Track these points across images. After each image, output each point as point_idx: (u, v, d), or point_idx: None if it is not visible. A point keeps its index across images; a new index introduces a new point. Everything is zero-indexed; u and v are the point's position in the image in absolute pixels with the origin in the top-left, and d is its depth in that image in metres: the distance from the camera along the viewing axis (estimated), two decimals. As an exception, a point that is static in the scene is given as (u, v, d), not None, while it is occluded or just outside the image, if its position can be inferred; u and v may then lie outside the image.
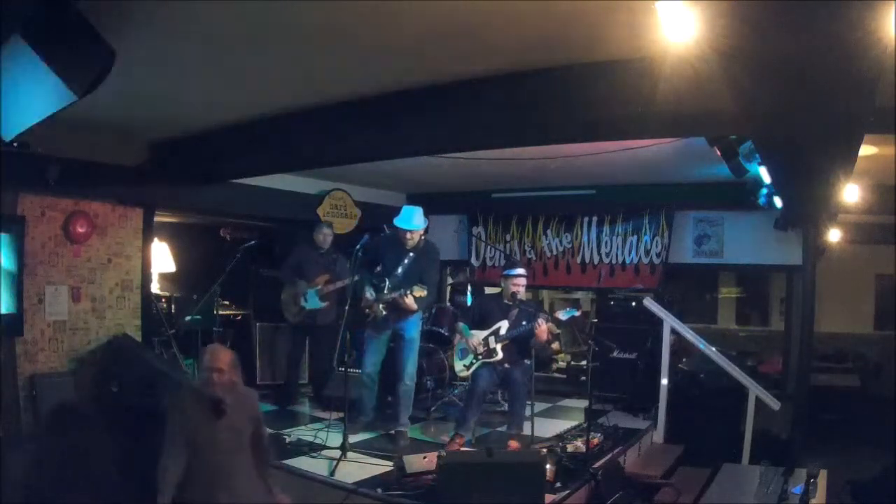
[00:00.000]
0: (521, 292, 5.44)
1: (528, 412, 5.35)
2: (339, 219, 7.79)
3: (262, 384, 6.95)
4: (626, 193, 7.74)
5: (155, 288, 6.83)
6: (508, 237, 8.52)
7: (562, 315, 5.42)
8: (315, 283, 6.27)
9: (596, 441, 5.16)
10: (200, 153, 5.69)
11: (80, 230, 5.48)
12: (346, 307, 5.08)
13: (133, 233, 5.97)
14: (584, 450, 4.89)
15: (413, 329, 5.48)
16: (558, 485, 4.28)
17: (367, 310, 5.40)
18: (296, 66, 3.83)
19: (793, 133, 2.83)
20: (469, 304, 7.91)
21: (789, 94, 2.26)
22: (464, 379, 5.71)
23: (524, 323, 5.20)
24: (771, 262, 7.34)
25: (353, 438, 5.00)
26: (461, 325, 5.49)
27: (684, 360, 7.03)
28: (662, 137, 4.69)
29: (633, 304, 7.30)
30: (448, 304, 8.25)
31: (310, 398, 6.77)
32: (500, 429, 5.73)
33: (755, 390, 5.79)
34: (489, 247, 8.59)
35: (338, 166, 6.39)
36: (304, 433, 5.38)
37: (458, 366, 5.44)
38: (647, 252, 7.66)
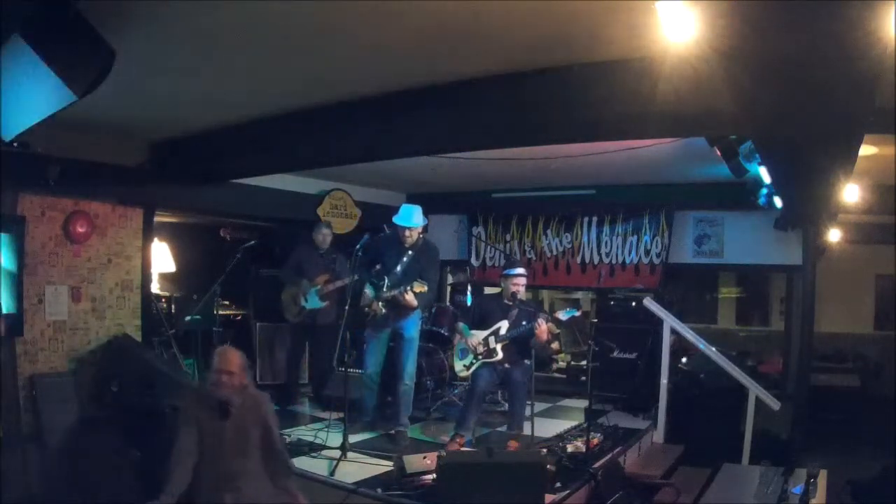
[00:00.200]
0: (521, 292, 5.44)
1: (528, 412, 5.34)
2: (339, 219, 7.79)
3: (263, 384, 6.93)
4: (626, 193, 7.75)
5: (155, 288, 6.83)
6: (508, 237, 8.52)
7: (562, 315, 5.40)
8: (315, 283, 6.27)
9: (596, 441, 5.16)
10: (200, 153, 5.69)
11: (80, 230, 5.48)
12: (347, 307, 5.08)
13: (133, 233, 5.97)
14: (584, 450, 4.89)
15: (413, 328, 5.48)
16: (558, 485, 4.27)
17: (367, 308, 5.40)
18: (295, 66, 3.83)
19: (793, 133, 2.83)
20: (469, 303, 7.91)
21: (789, 94, 2.26)
22: (464, 379, 5.71)
23: (524, 323, 5.20)
24: (771, 262, 7.34)
25: (353, 438, 5.00)
26: (461, 324, 5.49)
27: (684, 360, 7.03)
28: (662, 137, 4.68)
29: (633, 304, 7.30)
30: (448, 303, 8.25)
31: (310, 398, 6.77)
32: (500, 429, 5.73)
33: (755, 390, 5.78)
34: (489, 247, 8.58)
35: (338, 166, 6.40)
36: (304, 433, 5.38)
37: (458, 366, 5.43)
38: (647, 252, 7.65)
